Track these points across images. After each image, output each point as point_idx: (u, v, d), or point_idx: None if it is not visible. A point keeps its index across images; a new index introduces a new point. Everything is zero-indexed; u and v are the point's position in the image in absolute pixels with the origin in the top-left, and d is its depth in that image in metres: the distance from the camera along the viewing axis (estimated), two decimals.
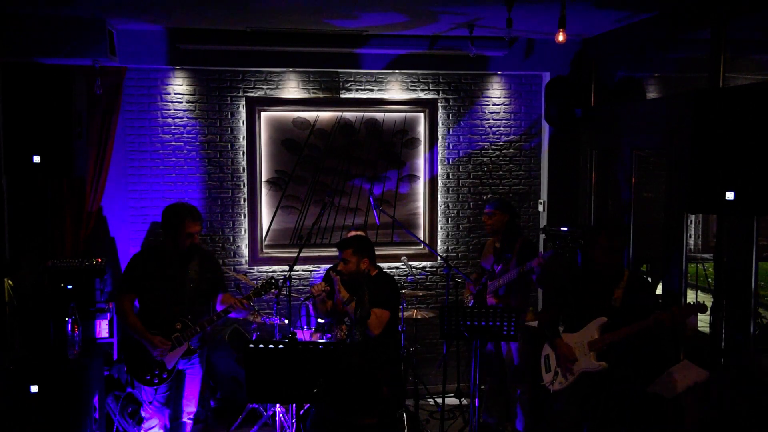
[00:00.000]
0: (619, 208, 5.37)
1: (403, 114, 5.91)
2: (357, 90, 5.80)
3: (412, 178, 5.97)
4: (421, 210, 6.00)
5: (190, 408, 4.33)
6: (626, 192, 5.27)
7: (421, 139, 5.94)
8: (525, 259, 4.71)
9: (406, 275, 5.87)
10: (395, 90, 5.85)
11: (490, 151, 6.04)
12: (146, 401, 4.23)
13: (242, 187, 5.72)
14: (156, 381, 4.12)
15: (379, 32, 5.34)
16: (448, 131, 5.97)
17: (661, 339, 4.51)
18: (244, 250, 5.74)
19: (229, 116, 5.66)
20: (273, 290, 4.39)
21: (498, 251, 4.97)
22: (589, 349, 3.82)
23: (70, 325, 4.19)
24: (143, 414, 4.30)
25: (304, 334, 5.00)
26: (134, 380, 4.26)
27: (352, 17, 4.85)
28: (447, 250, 6.04)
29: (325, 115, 5.80)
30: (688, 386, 3.95)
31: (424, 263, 6.02)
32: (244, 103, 5.64)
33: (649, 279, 5.25)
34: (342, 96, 5.78)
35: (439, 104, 5.91)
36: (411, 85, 5.88)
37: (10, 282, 4.65)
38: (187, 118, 5.60)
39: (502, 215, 4.93)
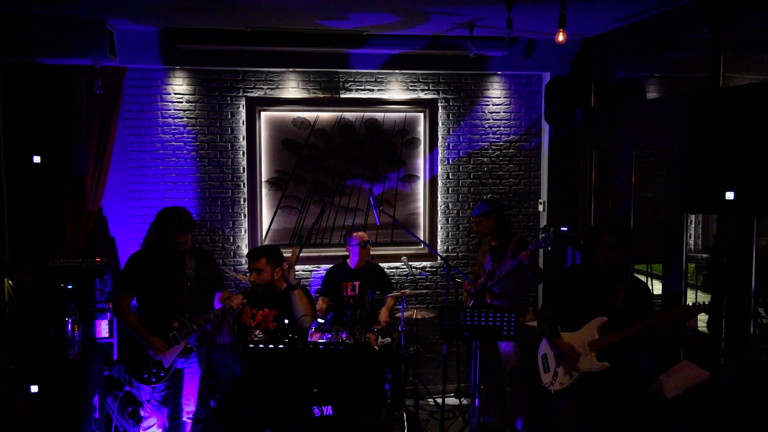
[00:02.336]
0: (619, 208, 5.37)
1: (403, 114, 5.90)
2: (357, 90, 5.79)
3: (412, 178, 5.97)
4: (421, 210, 6.00)
5: (189, 407, 4.34)
6: (626, 192, 5.27)
7: (421, 139, 5.94)
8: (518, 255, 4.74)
9: (406, 275, 5.87)
10: (395, 90, 5.85)
11: (490, 151, 6.04)
12: (144, 400, 4.24)
13: (242, 187, 5.71)
14: (153, 380, 4.13)
15: (379, 32, 5.34)
16: (448, 131, 5.96)
17: (662, 339, 4.50)
18: (244, 250, 5.74)
19: (229, 116, 5.66)
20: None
21: (494, 249, 4.99)
22: (590, 349, 3.82)
23: (70, 325, 4.19)
24: (142, 413, 4.31)
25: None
26: (132, 379, 4.27)
27: (345, 18, 4.84)
28: (447, 250, 6.04)
29: (325, 115, 5.80)
30: (688, 386, 3.95)
31: (424, 263, 6.02)
32: (244, 103, 5.64)
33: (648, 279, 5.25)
34: (342, 96, 5.78)
35: (439, 104, 5.91)
36: (411, 85, 5.88)
37: (10, 282, 4.65)
38: (187, 118, 5.60)
39: (487, 220, 4.94)
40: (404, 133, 5.92)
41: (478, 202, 5.39)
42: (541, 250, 5.83)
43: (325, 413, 4.45)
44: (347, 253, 5.41)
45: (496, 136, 6.03)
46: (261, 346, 3.43)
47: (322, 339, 4.75)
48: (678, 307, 3.71)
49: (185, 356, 4.22)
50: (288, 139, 5.77)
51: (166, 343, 4.10)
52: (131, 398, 4.89)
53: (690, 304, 4.31)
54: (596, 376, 3.80)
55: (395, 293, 5.29)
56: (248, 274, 4.58)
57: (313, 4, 4.46)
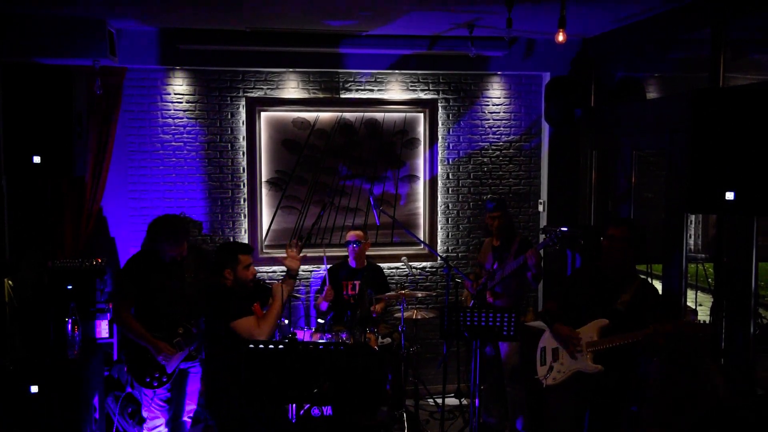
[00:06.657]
0: (619, 208, 5.37)
1: (403, 114, 5.91)
2: (357, 90, 5.80)
3: (412, 178, 5.97)
4: (421, 210, 6.00)
5: (190, 406, 4.35)
6: (626, 192, 5.27)
7: (421, 139, 5.94)
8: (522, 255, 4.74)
9: (407, 275, 5.87)
10: (395, 90, 5.85)
11: (490, 151, 6.04)
12: (148, 400, 4.25)
13: (242, 187, 5.72)
14: (155, 384, 4.14)
15: (379, 32, 5.34)
16: (448, 131, 5.96)
17: (661, 349, 4.47)
18: None
19: (229, 116, 5.66)
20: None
21: (497, 249, 4.99)
22: (586, 349, 3.80)
23: (70, 326, 4.19)
24: (145, 414, 4.31)
25: (304, 335, 5.00)
26: (134, 381, 4.28)
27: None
28: (447, 250, 6.04)
29: (325, 115, 5.80)
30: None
31: (424, 263, 6.02)
32: (244, 103, 5.64)
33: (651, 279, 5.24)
34: (342, 96, 5.78)
35: (439, 104, 5.91)
36: (411, 85, 5.88)
37: (10, 282, 4.65)
38: (187, 118, 5.60)
39: (505, 215, 4.96)
40: (404, 133, 5.92)
41: (487, 200, 5.37)
42: (541, 251, 5.83)
43: (325, 413, 4.45)
44: (347, 253, 5.41)
45: (496, 136, 6.03)
46: (261, 346, 3.42)
47: (322, 339, 4.75)
48: (676, 322, 3.64)
49: (189, 360, 4.24)
50: (288, 139, 5.77)
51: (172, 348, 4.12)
52: (132, 399, 4.89)
53: (692, 320, 4.28)
54: (591, 378, 3.78)
55: (391, 294, 5.29)
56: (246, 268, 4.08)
57: (310, 4, 4.46)
